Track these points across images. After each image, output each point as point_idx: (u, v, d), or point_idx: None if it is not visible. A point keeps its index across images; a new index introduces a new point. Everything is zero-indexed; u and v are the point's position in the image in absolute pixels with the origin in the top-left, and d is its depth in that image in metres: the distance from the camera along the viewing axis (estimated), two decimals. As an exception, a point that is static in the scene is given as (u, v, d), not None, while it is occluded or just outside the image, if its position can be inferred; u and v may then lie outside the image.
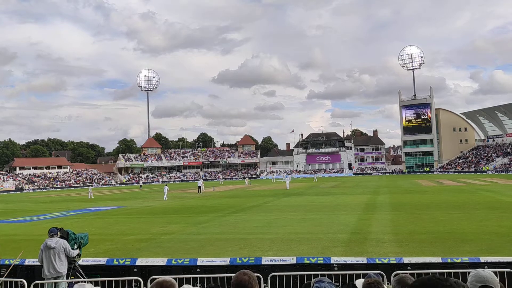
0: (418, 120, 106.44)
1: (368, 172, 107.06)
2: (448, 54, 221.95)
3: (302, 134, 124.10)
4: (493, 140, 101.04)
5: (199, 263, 9.31)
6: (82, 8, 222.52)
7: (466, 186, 44.10)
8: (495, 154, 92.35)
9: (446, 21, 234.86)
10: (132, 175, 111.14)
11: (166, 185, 45.78)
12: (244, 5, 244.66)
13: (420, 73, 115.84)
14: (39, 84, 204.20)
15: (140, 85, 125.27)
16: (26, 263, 10.18)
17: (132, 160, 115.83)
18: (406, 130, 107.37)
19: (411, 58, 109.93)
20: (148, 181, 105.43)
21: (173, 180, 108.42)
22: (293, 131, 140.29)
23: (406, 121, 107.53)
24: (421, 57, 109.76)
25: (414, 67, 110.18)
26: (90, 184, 72.69)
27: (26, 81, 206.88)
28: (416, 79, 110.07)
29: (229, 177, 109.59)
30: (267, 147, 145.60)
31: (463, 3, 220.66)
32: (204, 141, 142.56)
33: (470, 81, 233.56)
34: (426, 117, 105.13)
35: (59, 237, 8.46)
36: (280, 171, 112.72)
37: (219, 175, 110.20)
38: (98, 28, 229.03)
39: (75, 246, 8.73)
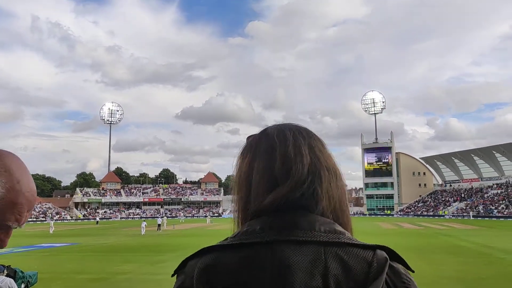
0: (379, 163, 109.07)
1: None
2: (406, 100, 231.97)
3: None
4: (450, 185, 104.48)
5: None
6: (46, 38, 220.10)
7: (424, 229, 44.93)
8: (452, 199, 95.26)
9: (405, 69, 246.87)
10: (89, 211, 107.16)
11: (144, 220, 47.54)
12: (211, 44, 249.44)
13: (380, 118, 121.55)
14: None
15: (103, 118, 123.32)
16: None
17: (89, 195, 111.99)
18: (368, 173, 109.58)
19: (373, 102, 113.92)
20: (106, 217, 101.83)
21: (131, 217, 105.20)
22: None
23: (368, 164, 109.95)
24: (383, 102, 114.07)
25: (376, 112, 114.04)
26: (51, 219, 69.32)
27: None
28: (376, 123, 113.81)
29: (190, 215, 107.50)
30: (230, 185, 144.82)
31: (422, 53, 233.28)
32: (166, 177, 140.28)
33: (427, 128, 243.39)
34: (387, 160, 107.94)
35: (5, 276, 7.83)
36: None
37: (180, 212, 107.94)
38: (61, 59, 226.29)
39: (22, 286, 8.08)
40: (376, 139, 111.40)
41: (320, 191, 0.93)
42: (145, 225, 43.58)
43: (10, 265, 8.65)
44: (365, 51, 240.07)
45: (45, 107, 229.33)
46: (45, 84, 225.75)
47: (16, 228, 1.09)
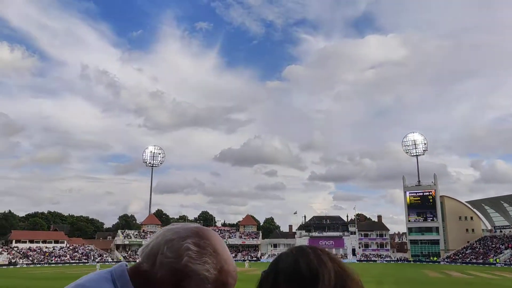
0: (423, 207, 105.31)
1: (372, 259, 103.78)
2: (448, 141, 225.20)
3: (305, 216, 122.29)
4: (501, 231, 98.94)
5: None
6: (94, 85, 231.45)
7: (475, 279, 42.38)
8: (504, 246, 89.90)
9: (446, 110, 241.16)
10: (130, 253, 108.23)
11: None
12: (249, 87, 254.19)
13: (421, 159, 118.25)
14: (44, 156, 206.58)
15: (145, 160, 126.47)
16: None
17: (131, 237, 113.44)
18: (410, 208, 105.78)
19: (415, 144, 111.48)
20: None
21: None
22: (295, 213, 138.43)
23: (410, 204, 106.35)
24: (425, 143, 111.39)
25: (417, 153, 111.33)
26: (97, 262, 69.73)
27: (31, 153, 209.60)
28: (418, 165, 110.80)
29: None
30: (269, 228, 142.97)
31: (464, 94, 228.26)
32: (205, 219, 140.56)
33: (472, 170, 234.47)
34: (431, 204, 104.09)
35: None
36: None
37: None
38: (107, 105, 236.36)
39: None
40: (419, 181, 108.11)
41: None
42: None
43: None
44: (404, 92, 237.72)
45: (90, 150, 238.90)
46: (91, 128, 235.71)
47: None
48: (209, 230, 1.21)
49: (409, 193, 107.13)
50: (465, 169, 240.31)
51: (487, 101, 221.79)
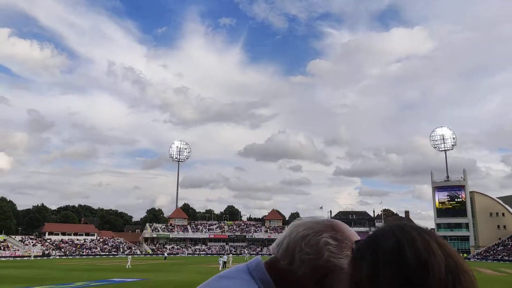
0: (451, 202, 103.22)
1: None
2: (478, 136, 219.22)
3: (330, 212, 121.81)
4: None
5: None
6: (120, 82, 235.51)
7: (507, 276, 41.47)
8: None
9: (475, 104, 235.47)
10: (157, 246, 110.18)
11: (226, 254, 56.39)
12: (273, 83, 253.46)
13: (449, 154, 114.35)
14: (73, 151, 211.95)
15: (172, 155, 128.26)
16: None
17: (158, 230, 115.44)
18: (440, 213, 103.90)
19: (443, 139, 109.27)
20: (173, 252, 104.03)
21: (197, 253, 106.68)
22: (321, 207, 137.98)
23: (439, 203, 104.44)
24: (453, 138, 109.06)
25: (446, 148, 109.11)
26: (129, 254, 70.67)
27: (61, 148, 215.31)
28: (447, 160, 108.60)
29: (254, 252, 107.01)
30: None
31: (494, 87, 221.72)
32: (231, 213, 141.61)
33: (502, 165, 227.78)
34: (461, 199, 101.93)
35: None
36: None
37: (245, 250, 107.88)
38: (133, 101, 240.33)
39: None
40: (448, 177, 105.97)
41: None
42: (226, 260, 48.79)
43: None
44: (431, 86, 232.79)
45: (117, 145, 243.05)
46: (118, 124, 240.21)
47: None
48: (341, 223, 1.20)
49: (438, 188, 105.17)
50: (496, 164, 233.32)
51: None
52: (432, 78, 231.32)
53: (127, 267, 48.26)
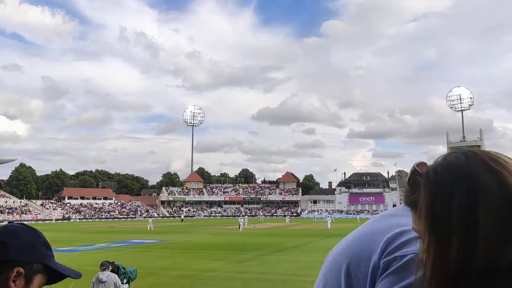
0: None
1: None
2: (495, 95, 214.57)
3: (344, 173, 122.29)
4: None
5: (244, 304, 9.15)
6: (133, 47, 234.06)
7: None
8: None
9: (493, 62, 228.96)
10: (174, 209, 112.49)
11: (241, 217, 57.80)
12: (286, 45, 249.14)
13: (465, 114, 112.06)
14: (88, 117, 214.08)
15: (186, 120, 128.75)
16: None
17: (174, 194, 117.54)
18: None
19: (460, 99, 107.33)
20: (190, 215, 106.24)
21: (213, 215, 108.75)
22: (335, 170, 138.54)
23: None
24: (471, 98, 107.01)
25: (463, 108, 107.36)
26: (150, 217, 71.88)
27: (76, 115, 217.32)
28: (463, 120, 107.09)
29: (269, 214, 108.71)
30: (308, 185, 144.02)
31: (511, 45, 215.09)
32: (246, 177, 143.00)
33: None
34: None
35: (110, 271, 8.61)
36: (322, 210, 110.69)
37: (260, 212, 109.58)
38: (146, 66, 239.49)
39: (125, 281, 8.85)
40: (464, 137, 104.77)
41: None
42: (244, 221, 51.77)
43: (114, 262, 9.47)
44: (448, 45, 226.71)
45: (132, 111, 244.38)
46: (131, 90, 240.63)
47: None
48: None
49: (453, 149, 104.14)
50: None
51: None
52: (450, 37, 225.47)
53: (148, 228, 49.80)
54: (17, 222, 1.13)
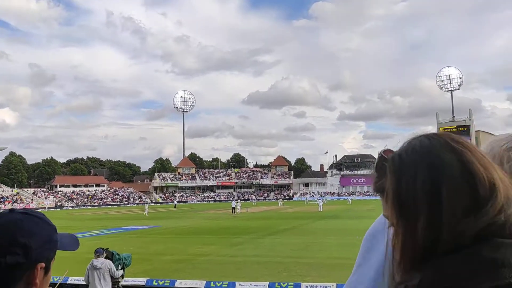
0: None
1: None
2: (483, 75, 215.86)
3: (336, 156, 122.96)
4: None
5: (237, 287, 9.33)
6: (120, 32, 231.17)
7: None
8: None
9: (481, 42, 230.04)
10: (167, 194, 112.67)
11: (234, 201, 58.03)
12: (275, 28, 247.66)
13: (455, 94, 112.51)
14: (78, 104, 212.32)
15: (176, 105, 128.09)
16: (69, 281, 10.49)
17: (167, 180, 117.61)
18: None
19: (449, 79, 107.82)
20: (183, 200, 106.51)
21: (206, 200, 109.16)
22: (327, 152, 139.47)
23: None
24: (460, 78, 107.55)
25: (452, 88, 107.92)
26: (147, 202, 72.22)
27: (65, 102, 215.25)
28: (453, 100, 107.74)
29: (262, 197, 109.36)
30: (300, 168, 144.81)
31: (501, 24, 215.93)
32: (238, 161, 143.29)
33: (508, 103, 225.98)
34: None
35: (104, 258, 8.69)
36: (314, 193, 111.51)
37: (252, 195, 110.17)
38: (135, 51, 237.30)
39: (119, 267, 8.94)
40: (453, 117, 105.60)
41: None
42: (237, 205, 51.27)
43: (108, 248, 9.55)
44: (437, 25, 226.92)
45: (121, 97, 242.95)
46: (120, 76, 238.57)
47: None
48: None
49: (443, 129, 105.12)
50: (501, 103, 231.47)
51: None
52: (439, 17, 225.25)
53: (145, 214, 50.11)
54: (20, 209, 1.11)
